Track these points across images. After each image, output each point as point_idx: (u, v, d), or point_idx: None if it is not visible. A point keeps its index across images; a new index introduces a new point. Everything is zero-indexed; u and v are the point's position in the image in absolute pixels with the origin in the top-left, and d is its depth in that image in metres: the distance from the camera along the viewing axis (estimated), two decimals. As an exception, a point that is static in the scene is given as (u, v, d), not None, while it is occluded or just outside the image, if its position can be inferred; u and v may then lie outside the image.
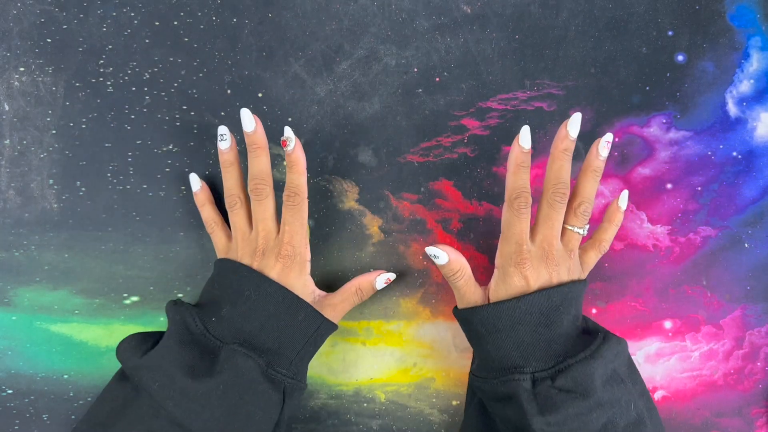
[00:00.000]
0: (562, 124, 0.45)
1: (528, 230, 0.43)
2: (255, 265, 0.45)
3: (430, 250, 0.44)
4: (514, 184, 0.43)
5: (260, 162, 0.46)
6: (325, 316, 0.46)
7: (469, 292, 0.45)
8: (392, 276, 0.50)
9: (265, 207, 0.46)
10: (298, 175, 0.45)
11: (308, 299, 0.46)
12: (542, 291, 0.42)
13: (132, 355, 0.42)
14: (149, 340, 0.44)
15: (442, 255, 0.44)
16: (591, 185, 0.46)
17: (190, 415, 0.39)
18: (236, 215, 0.47)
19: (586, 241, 0.50)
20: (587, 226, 0.46)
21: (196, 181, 0.51)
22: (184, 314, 0.43)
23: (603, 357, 0.40)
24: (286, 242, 0.45)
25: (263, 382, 0.41)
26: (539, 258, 0.43)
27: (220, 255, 0.50)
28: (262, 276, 0.43)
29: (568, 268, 0.44)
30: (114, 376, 0.44)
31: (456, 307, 0.47)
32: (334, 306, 0.48)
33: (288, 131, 0.45)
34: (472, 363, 0.48)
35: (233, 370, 0.40)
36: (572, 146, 0.44)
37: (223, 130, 0.48)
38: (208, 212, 0.50)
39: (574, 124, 0.44)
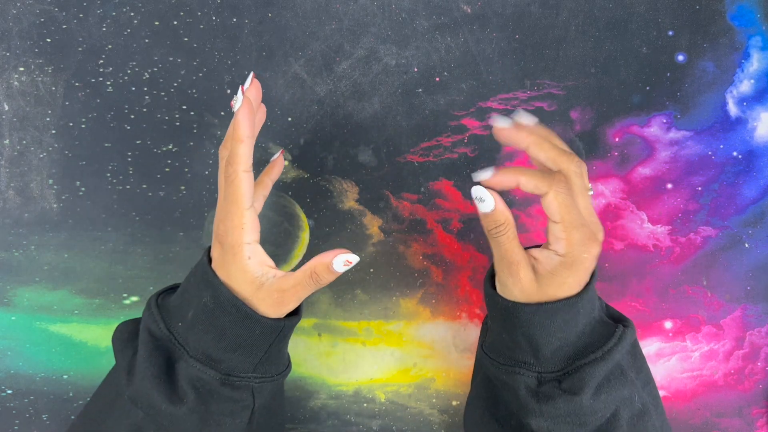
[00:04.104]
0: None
1: None
2: (214, 255, 0.40)
3: (477, 191, 0.36)
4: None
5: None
6: (278, 302, 0.40)
7: (512, 252, 0.38)
8: (353, 258, 0.39)
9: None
10: (236, 142, 0.38)
11: (250, 287, 0.39)
12: (587, 292, 0.38)
13: (122, 357, 0.42)
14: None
15: (488, 200, 0.36)
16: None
17: (170, 428, 0.39)
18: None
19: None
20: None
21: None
22: (148, 321, 0.41)
23: (613, 358, 0.38)
24: (219, 222, 0.39)
25: (225, 392, 0.40)
26: None
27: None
28: (217, 281, 0.39)
29: None
30: (111, 369, 0.44)
31: (489, 276, 0.42)
32: (284, 291, 0.40)
33: (239, 93, 0.39)
34: (484, 336, 0.45)
35: (193, 388, 0.39)
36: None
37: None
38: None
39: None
